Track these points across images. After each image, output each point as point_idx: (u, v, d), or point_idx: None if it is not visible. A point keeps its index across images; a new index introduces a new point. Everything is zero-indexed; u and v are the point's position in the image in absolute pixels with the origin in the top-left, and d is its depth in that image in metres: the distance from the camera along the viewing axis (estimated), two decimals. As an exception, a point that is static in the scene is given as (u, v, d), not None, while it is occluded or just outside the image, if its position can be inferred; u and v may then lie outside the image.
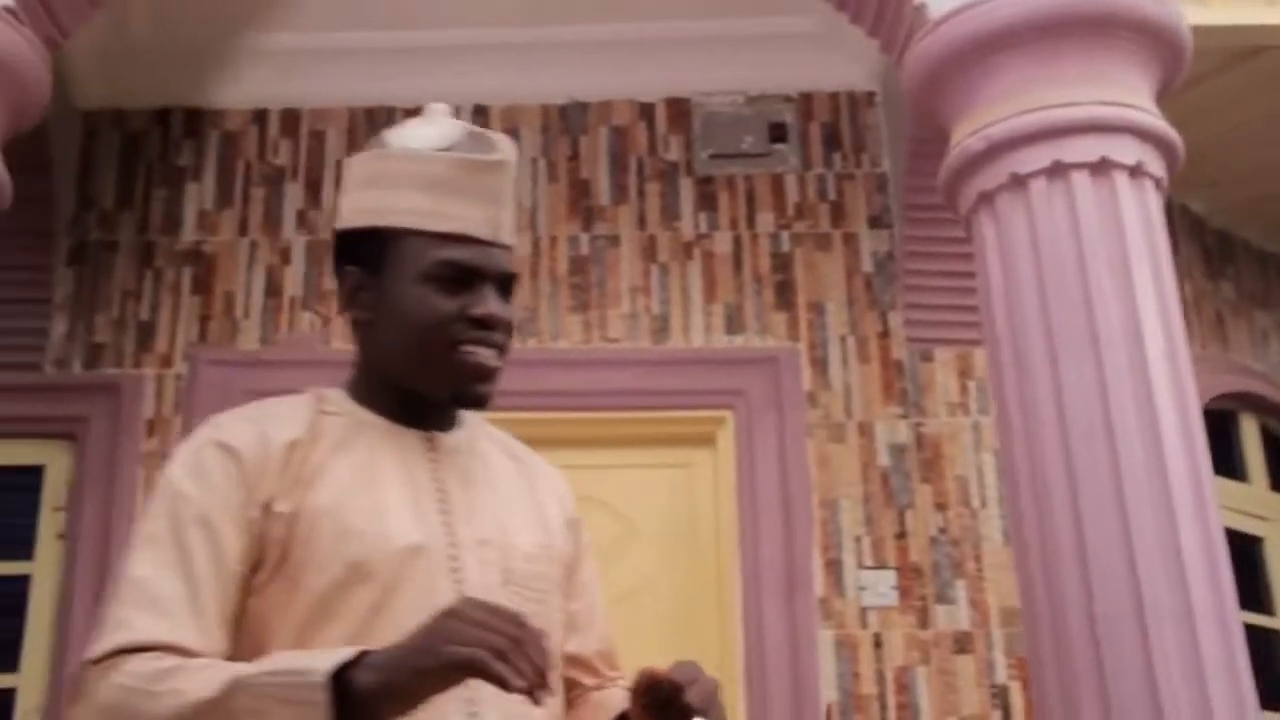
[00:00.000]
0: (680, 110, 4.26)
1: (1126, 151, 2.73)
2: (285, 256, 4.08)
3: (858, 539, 3.75)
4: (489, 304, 1.46)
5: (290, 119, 4.25)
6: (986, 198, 2.81)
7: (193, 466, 1.42)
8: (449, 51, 4.26)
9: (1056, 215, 2.70)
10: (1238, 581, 3.05)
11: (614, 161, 4.20)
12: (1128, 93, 2.79)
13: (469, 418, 1.59)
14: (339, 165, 4.18)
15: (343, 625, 1.35)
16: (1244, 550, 4.57)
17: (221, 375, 3.91)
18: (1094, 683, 2.40)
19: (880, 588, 3.69)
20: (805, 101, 4.23)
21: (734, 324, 3.98)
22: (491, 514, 1.48)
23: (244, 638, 1.38)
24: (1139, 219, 2.71)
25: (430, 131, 1.53)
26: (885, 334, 3.94)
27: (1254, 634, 4.36)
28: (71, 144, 4.13)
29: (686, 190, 4.15)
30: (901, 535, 3.75)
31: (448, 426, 1.55)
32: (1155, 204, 2.78)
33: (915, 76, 2.96)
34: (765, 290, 4.02)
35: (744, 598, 3.70)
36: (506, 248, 1.51)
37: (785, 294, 4.01)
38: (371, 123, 4.25)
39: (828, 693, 3.61)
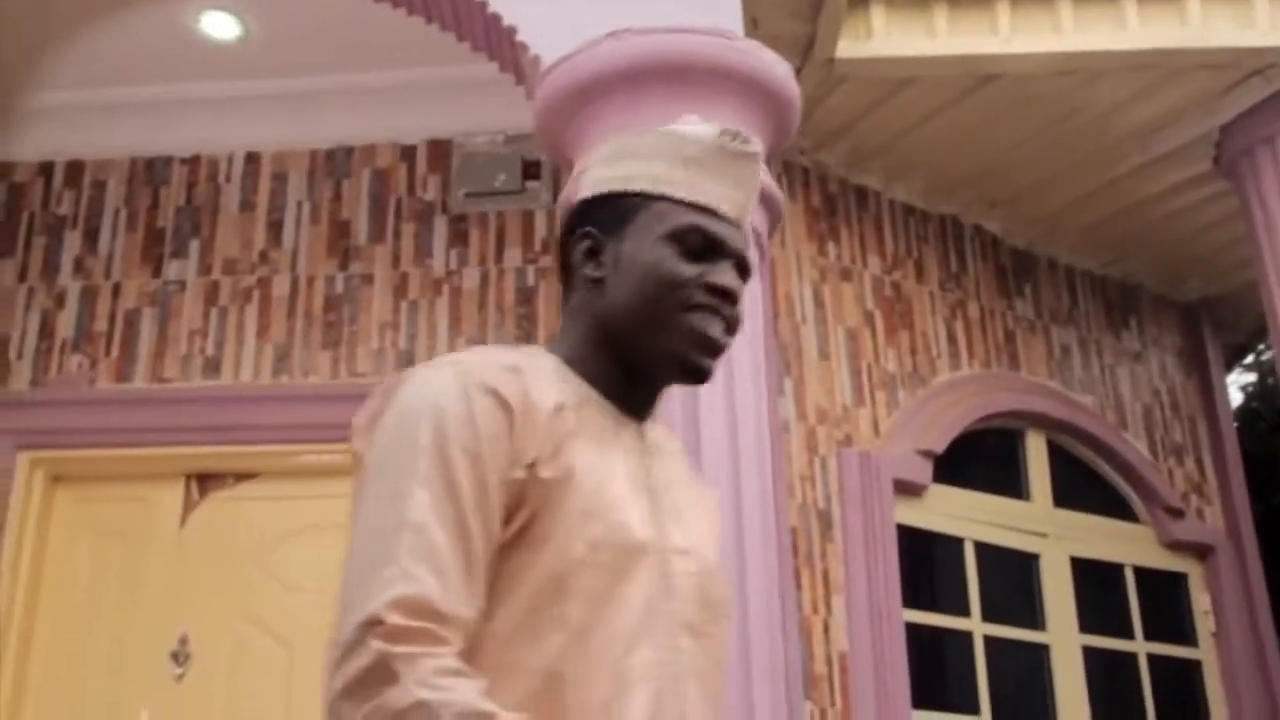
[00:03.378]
0: (441, 151, 4.43)
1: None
2: (60, 301, 4.30)
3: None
4: (727, 276, 1.40)
5: (74, 170, 4.48)
6: (588, 240, 2.95)
7: (464, 412, 1.27)
8: (223, 103, 4.47)
9: (637, 256, 2.83)
10: (1013, 597, 3.04)
11: (374, 202, 4.38)
12: (716, 137, 2.91)
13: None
14: (117, 213, 4.41)
15: (573, 606, 1.26)
16: (1019, 566, 4.65)
17: (-9, 416, 4.13)
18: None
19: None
20: (559, 139, 4.37)
21: (475, 357, 4.12)
22: (689, 521, 1.41)
23: None
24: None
25: (687, 127, 1.50)
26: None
27: (1025, 649, 4.45)
28: None
29: (440, 228, 4.32)
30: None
31: (648, 417, 1.46)
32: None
33: (537, 123, 3.11)
34: (508, 323, 4.17)
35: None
36: (743, 234, 1.46)
37: (527, 326, 4.16)
38: (150, 172, 4.47)
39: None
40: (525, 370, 1.33)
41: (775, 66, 3.01)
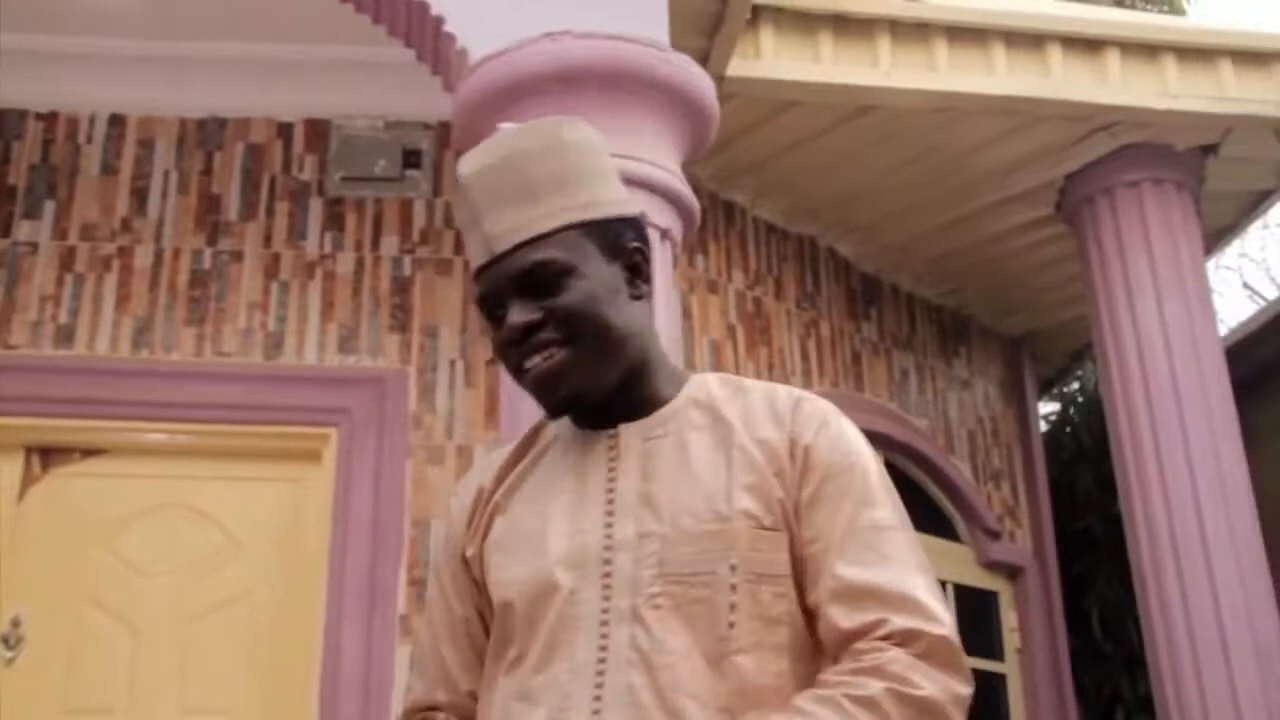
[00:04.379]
0: (318, 131, 4.33)
1: (643, 207, 2.89)
2: (-105, 255, 4.01)
3: (447, 558, 3.85)
4: (511, 318, 1.39)
5: (-88, 114, 4.19)
6: (508, 238, 2.95)
7: (441, 530, 1.60)
8: (90, 59, 4.26)
9: (561, 258, 2.85)
10: None
11: (246, 178, 4.25)
12: (643, 148, 2.95)
13: (692, 383, 1.50)
14: (-39, 165, 4.15)
15: (511, 650, 1.41)
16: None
17: None
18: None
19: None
20: (442, 130, 4.34)
21: (348, 344, 4.06)
22: (690, 512, 1.38)
23: None
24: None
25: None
26: (494, 360, 4.06)
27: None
28: None
29: (316, 210, 4.22)
30: (491, 555, 3.87)
31: (640, 413, 1.46)
32: (662, 254, 2.95)
33: (459, 118, 3.09)
34: (382, 312, 4.11)
35: (326, 613, 3.78)
36: (528, 244, 1.40)
37: (401, 316, 4.11)
38: (1, 124, 4.22)
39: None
40: (482, 467, 1.55)
41: (701, 81, 3.08)
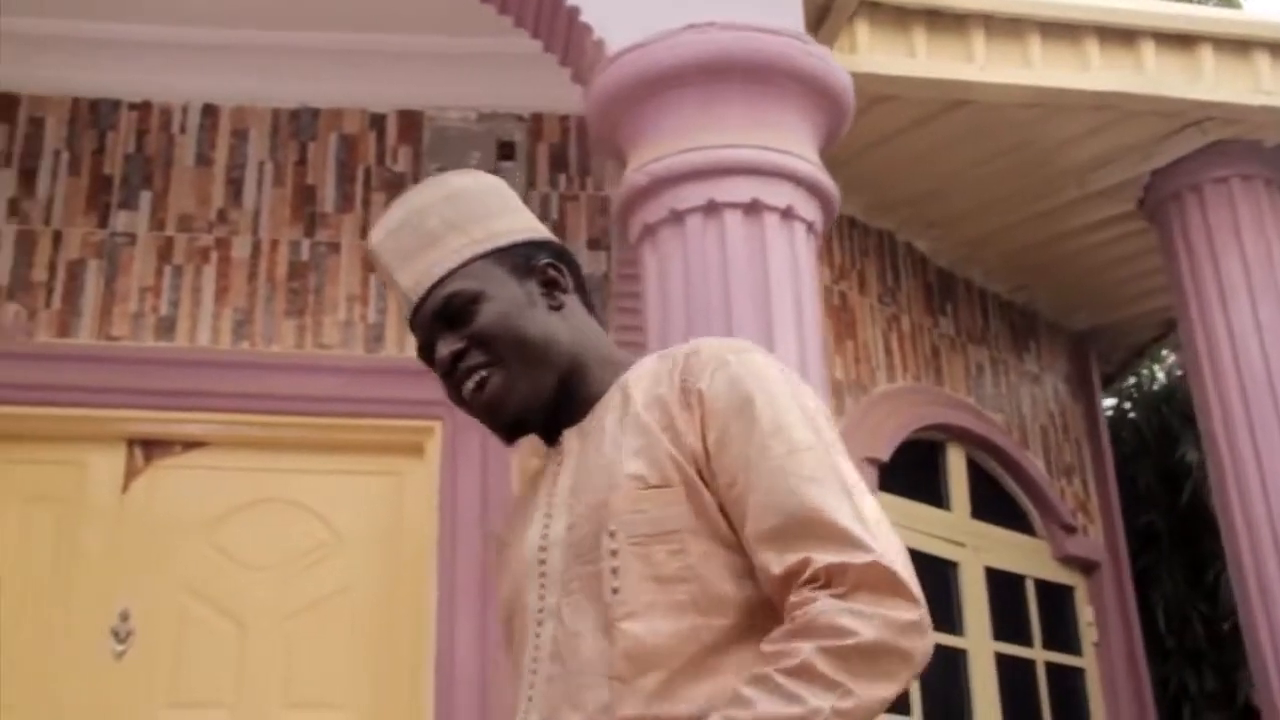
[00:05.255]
0: (411, 123, 4.31)
1: (778, 195, 2.88)
2: (-7, 245, 3.99)
3: (553, 552, 3.84)
4: (438, 352, 1.45)
5: (7, 104, 4.16)
6: (650, 230, 2.94)
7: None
8: (181, 49, 4.23)
9: (708, 250, 2.84)
10: (933, 603, 3.24)
11: (341, 169, 4.23)
12: (785, 139, 2.94)
13: (630, 368, 1.49)
14: (56, 155, 4.13)
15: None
16: (940, 573, 4.83)
17: (-86, 364, 3.80)
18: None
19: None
20: (536, 122, 4.32)
21: (448, 336, 4.03)
22: (593, 489, 1.39)
23: None
24: (786, 259, 2.86)
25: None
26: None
27: (943, 653, 4.63)
28: None
29: (412, 202, 4.19)
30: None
31: (580, 416, 1.47)
32: (804, 245, 2.94)
33: (594, 109, 3.08)
34: (482, 305, 4.08)
35: (438, 607, 3.76)
36: (438, 284, 1.46)
37: (501, 309, 4.08)
38: (95, 114, 4.20)
39: (511, 701, 3.69)
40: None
41: (840, 75, 3.07)
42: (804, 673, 1.19)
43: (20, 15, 4.12)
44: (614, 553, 1.35)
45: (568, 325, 1.48)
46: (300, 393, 3.95)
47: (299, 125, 4.27)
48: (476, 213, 1.50)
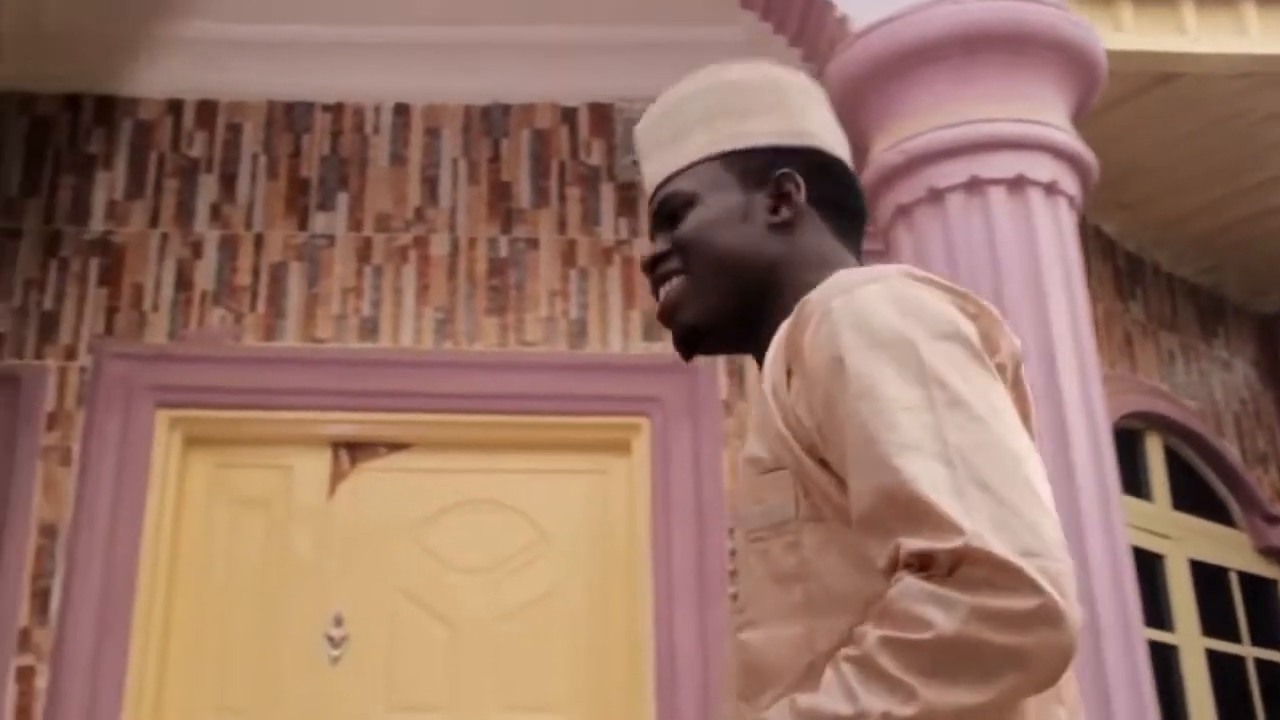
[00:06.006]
0: (603, 116, 4.24)
1: (1042, 169, 2.77)
2: (197, 250, 3.99)
3: (770, 549, 3.74)
4: (647, 252, 1.42)
5: (207, 110, 4.16)
6: (904, 211, 2.83)
7: None
8: (372, 48, 4.20)
9: (973, 230, 2.72)
10: (1141, 598, 3.12)
11: (535, 164, 4.17)
12: (1044, 111, 2.83)
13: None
14: (255, 159, 4.12)
15: None
16: (1145, 567, 4.65)
17: (127, 369, 3.81)
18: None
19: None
20: (728, 111, 4.22)
21: (652, 331, 3.97)
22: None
23: None
24: (1053, 236, 2.74)
25: None
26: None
27: (1153, 650, 4.45)
28: (-25, 128, 4.02)
29: (607, 196, 4.13)
30: (813, 546, 3.75)
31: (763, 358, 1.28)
32: (1068, 221, 2.82)
33: (835, 88, 2.97)
34: (684, 298, 4.00)
35: (655, 605, 3.68)
36: (666, 181, 1.39)
37: (704, 302, 4.00)
38: (290, 117, 4.18)
39: (736, 702, 3.59)
40: None
41: (1099, 44, 2.94)
42: (865, 666, 1.02)
43: (214, 20, 4.12)
44: (733, 553, 1.23)
45: (785, 245, 1.34)
46: (504, 391, 3.90)
47: (491, 122, 4.23)
48: (734, 109, 1.39)
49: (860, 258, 1.39)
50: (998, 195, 2.73)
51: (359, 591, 3.79)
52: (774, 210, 1.35)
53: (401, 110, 4.22)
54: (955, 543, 1.00)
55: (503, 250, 4.06)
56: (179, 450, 3.84)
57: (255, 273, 3.98)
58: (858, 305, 1.13)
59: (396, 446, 3.96)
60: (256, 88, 4.19)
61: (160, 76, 4.16)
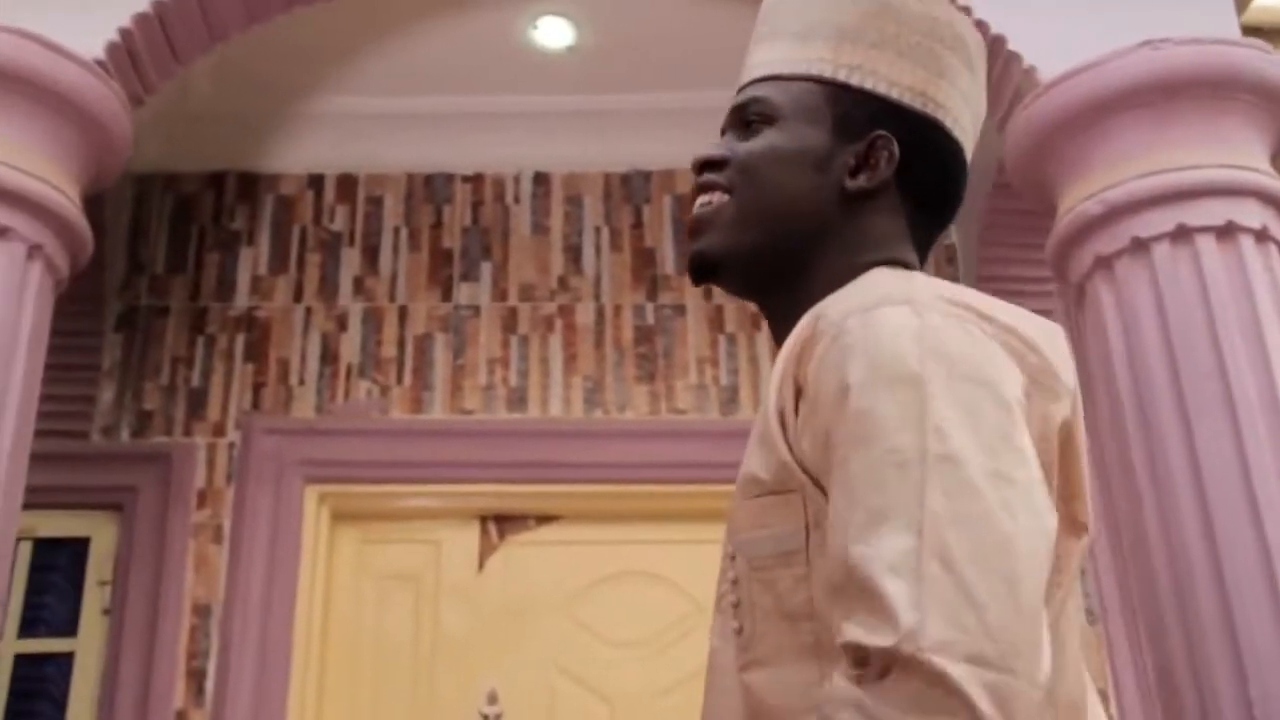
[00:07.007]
0: (743, 179, 4.19)
1: (1251, 215, 2.66)
2: (341, 323, 3.96)
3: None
4: (702, 151, 1.26)
5: (347, 184, 4.16)
6: (1104, 262, 2.73)
7: None
8: (509, 118, 4.19)
9: (1182, 279, 2.62)
10: None
11: (678, 229, 4.12)
12: (1248, 155, 2.73)
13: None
14: (396, 231, 4.10)
15: None
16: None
17: (276, 444, 3.77)
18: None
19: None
20: (866, 171, 4.16)
21: (805, 396, 3.87)
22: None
23: None
24: (1267, 283, 2.63)
25: None
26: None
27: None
28: (122, 207, 4.03)
29: (752, 260, 4.06)
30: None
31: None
32: (1267, 263, 2.70)
33: (1022, 140, 2.89)
34: (836, 362, 3.92)
35: (823, 680, 3.55)
36: (759, 80, 1.26)
37: (856, 366, 3.91)
38: (430, 189, 4.17)
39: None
40: None
41: (1298, 84, 2.84)
42: None
43: (353, 95, 4.13)
44: (735, 582, 1.09)
45: (847, 214, 1.19)
46: (655, 460, 3.81)
47: (631, 188, 4.19)
48: (872, 38, 1.21)
49: (928, 251, 1.24)
50: (1206, 243, 2.62)
51: (512, 667, 3.69)
52: (853, 172, 1.19)
53: (541, 179, 4.20)
54: (887, 641, 0.86)
55: (649, 317, 4.00)
56: (328, 525, 3.78)
57: (400, 345, 3.94)
58: (874, 331, 0.99)
59: (545, 518, 3.88)
60: (395, 160, 4.18)
61: (300, 152, 4.17)
